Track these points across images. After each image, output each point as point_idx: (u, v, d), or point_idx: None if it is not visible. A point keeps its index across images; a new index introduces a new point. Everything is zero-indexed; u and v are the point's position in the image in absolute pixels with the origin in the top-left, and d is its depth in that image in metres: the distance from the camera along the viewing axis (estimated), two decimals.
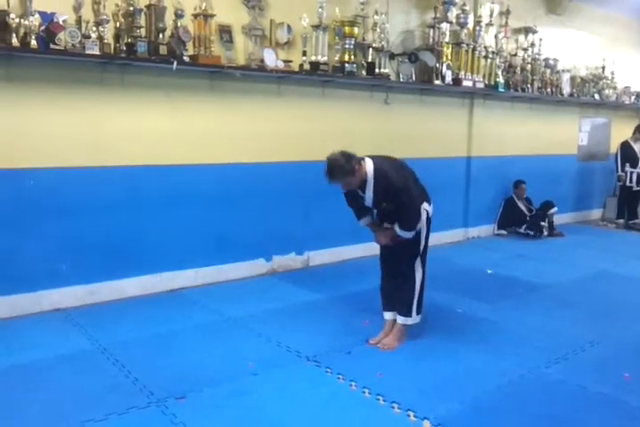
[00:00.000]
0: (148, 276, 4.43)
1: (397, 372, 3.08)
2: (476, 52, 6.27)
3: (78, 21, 3.80)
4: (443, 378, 3.00)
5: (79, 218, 4.06)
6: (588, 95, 8.02)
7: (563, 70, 7.57)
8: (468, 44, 6.17)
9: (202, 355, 3.28)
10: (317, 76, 5.00)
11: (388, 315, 3.52)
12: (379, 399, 2.75)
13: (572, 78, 7.78)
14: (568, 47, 7.79)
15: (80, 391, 2.81)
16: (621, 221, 7.92)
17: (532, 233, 6.92)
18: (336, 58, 5.18)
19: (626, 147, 7.81)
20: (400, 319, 3.43)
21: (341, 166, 3.09)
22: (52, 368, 3.08)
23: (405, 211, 3.22)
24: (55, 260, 4.01)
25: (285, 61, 4.79)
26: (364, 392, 2.83)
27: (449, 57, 6.01)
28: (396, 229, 3.25)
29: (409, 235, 3.24)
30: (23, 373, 3.02)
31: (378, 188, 3.17)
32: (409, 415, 2.60)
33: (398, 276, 3.42)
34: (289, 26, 4.87)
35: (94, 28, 3.83)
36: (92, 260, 4.15)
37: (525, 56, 7.10)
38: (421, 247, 3.40)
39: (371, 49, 5.40)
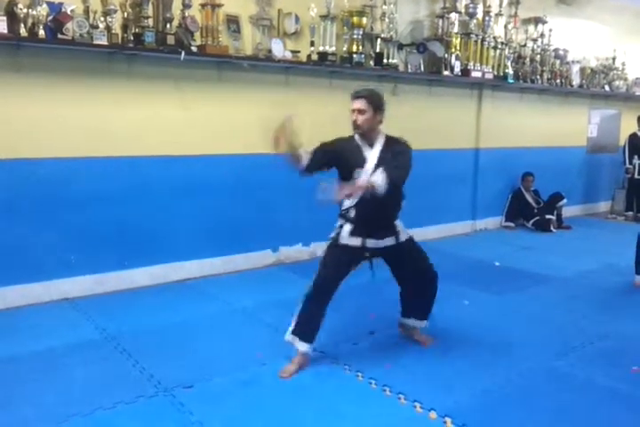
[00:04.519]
0: (156, 266, 4.45)
1: (404, 363, 3.08)
2: (485, 43, 6.21)
3: (86, 11, 3.81)
4: (450, 370, 3.00)
5: (89, 208, 4.07)
6: (598, 86, 7.95)
7: (572, 61, 7.49)
8: (477, 35, 6.12)
9: (210, 345, 3.30)
10: (325, 67, 4.98)
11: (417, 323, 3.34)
12: (385, 390, 2.76)
13: (582, 69, 7.71)
14: (578, 38, 7.71)
15: (88, 380, 2.83)
16: (630, 213, 7.86)
17: (539, 230, 6.90)
18: (344, 48, 5.16)
19: (634, 139, 7.73)
20: (422, 323, 3.30)
21: (378, 95, 2.91)
22: (60, 357, 3.10)
23: (396, 167, 2.78)
24: (65, 249, 4.03)
25: (293, 52, 4.77)
26: (370, 383, 2.83)
27: (458, 47, 5.97)
28: (377, 174, 2.73)
29: (381, 183, 2.66)
30: (32, 361, 3.05)
31: (386, 146, 2.92)
32: (415, 406, 2.61)
33: (420, 281, 3.20)
34: (297, 16, 4.85)
35: (102, 18, 3.83)
36: (101, 249, 4.17)
37: (535, 47, 7.05)
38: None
39: (379, 39, 5.37)
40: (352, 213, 2.96)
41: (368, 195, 2.72)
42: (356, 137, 2.98)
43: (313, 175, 2.91)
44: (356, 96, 2.89)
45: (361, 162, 2.91)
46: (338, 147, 2.96)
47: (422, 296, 3.24)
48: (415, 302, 3.27)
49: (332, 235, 3.07)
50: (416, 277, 3.18)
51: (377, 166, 2.84)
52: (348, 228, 2.99)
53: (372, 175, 2.76)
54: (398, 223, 3.09)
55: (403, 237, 3.08)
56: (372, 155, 2.91)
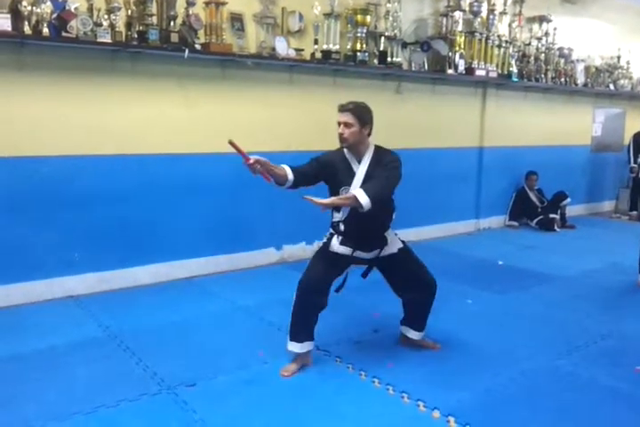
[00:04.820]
0: (160, 264, 4.45)
1: (407, 362, 3.07)
2: (490, 41, 6.20)
3: (90, 9, 3.80)
4: (453, 369, 3.00)
5: (91, 206, 4.08)
6: (603, 85, 7.93)
7: (577, 60, 7.48)
8: (481, 33, 6.10)
9: (212, 343, 3.30)
10: (329, 65, 4.97)
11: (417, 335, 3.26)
12: (388, 389, 2.76)
13: (587, 68, 7.69)
14: (583, 36, 7.69)
15: (91, 378, 2.83)
16: (635, 212, 7.84)
17: (543, 229, 6.88)
18: (348, 46, 5.15)
19: (638, 138, 7.71)
20: (418, 335, 3.24)
21: (365, 108, 2.89)
22: (63, 355, 3.10)
23: (385, 179, 2.77)
24: (68, 247, 4.04)
25: (297, 50, 4.77)
26: (373, 382, 2.83)
27: (462, 46, 5.96)
28: (359, 189, 2.69)
29: (365, 200, 2.61)
30: (35, 359, 3.05)
31: (375, 159, 2.89)
32: (418, 405, 2.60)
33: (416, 290, 3.11)
34: (300, 14, 4.84)
35: (106, 16, 3.83)
36: (104, 247, 4.18)
37: (539, 45, 7.03)
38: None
39: (383, 37, 5.36)
40: (341, 227, 2.95)
41: (353, 211, 2.74)
42: (345, 151, 2.95)
43: (298, 189, 2.91)
44: (342, 109, 2.88)
45: (349, 177, 2.89)
46: (329, 160, 2.95)
47: (420, 304, 3.16)
48: (413, 312, 3.20)
49: (324, 240, 3.06)
50: (411, 287, 3.09)
51: (365, 182, 2.82)
52: (337, 239, 2.98)
53: (355, 190, 2.71)
54: (389, 234, 3.04)
55: (393, 248, 3.03)
56: (360, 170, 2.89)
